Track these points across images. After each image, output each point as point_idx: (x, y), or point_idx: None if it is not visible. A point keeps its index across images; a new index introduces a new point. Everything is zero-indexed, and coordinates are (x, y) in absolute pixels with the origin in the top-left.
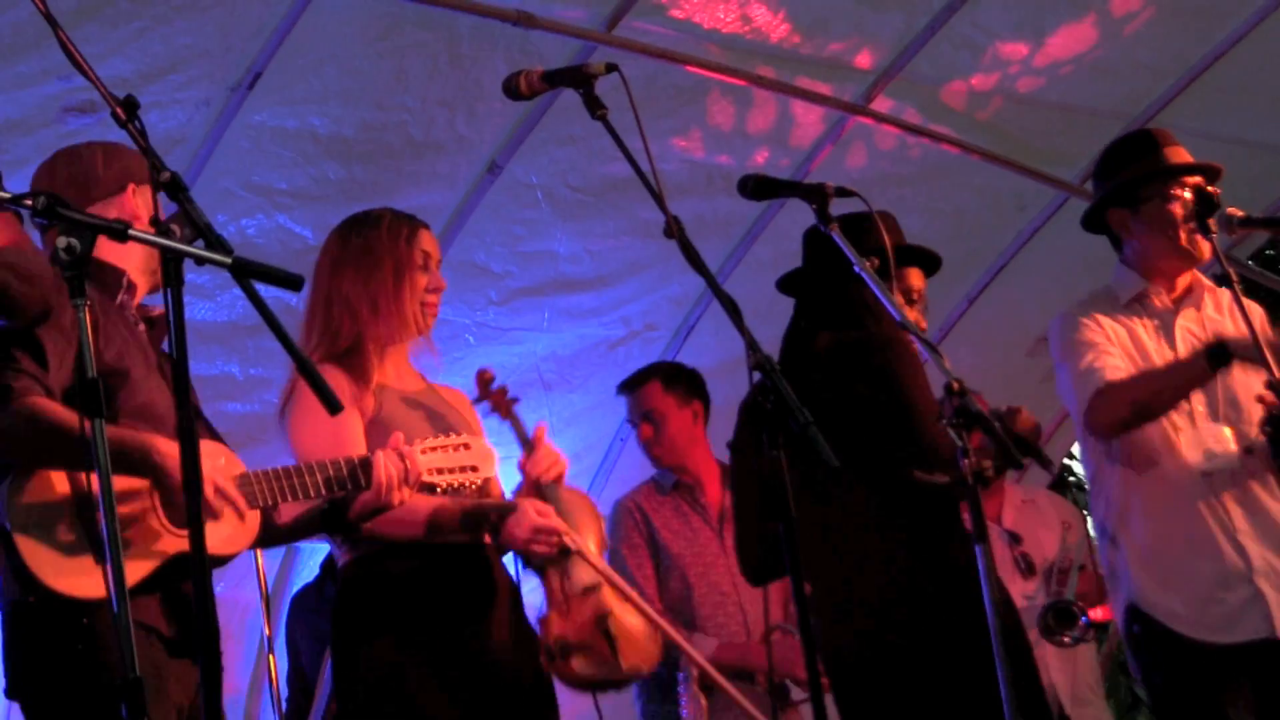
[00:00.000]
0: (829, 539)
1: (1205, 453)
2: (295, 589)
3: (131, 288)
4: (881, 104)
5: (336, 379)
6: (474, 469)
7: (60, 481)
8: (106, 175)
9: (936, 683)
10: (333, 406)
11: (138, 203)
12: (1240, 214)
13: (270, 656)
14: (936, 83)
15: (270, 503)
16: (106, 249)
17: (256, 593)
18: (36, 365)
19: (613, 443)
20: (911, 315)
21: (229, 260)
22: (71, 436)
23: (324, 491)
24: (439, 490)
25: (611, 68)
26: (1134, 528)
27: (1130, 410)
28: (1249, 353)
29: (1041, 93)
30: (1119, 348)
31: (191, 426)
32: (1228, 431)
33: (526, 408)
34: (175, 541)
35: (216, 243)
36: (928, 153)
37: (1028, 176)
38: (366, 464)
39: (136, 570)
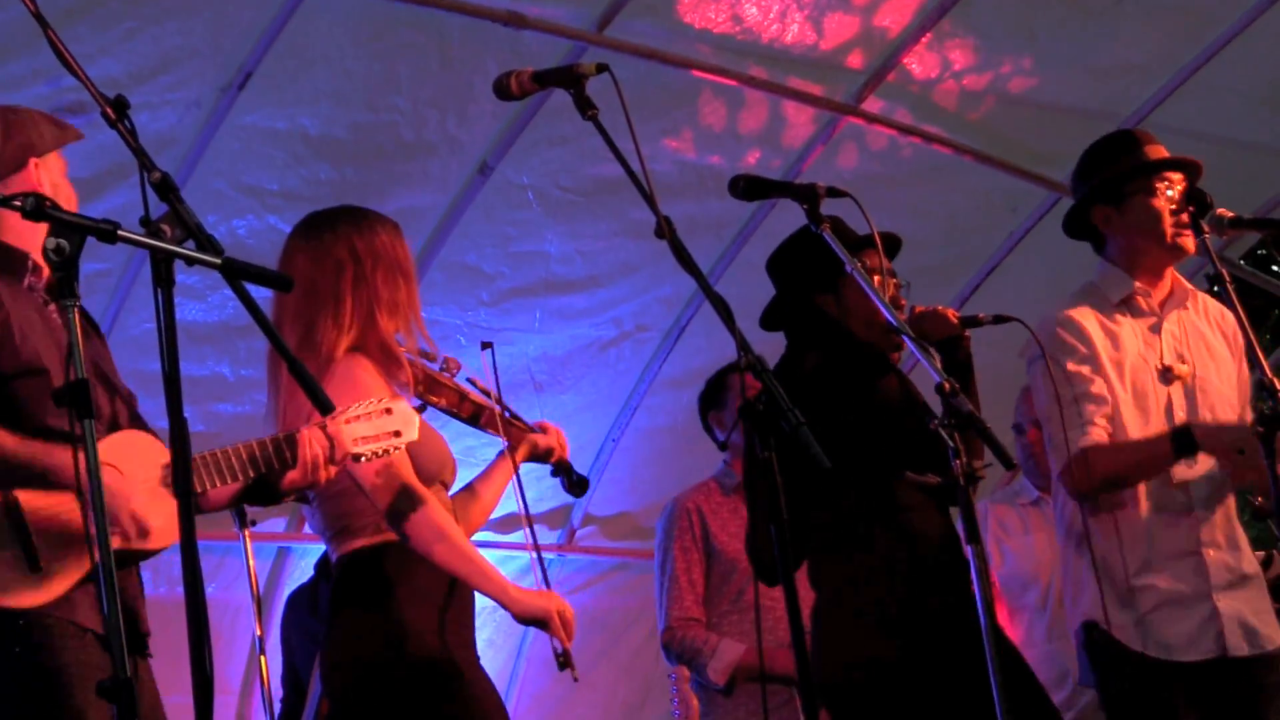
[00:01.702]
0: (830, 544)
1: (1185, 461)
2: (288, 589)
3: (37, 269)
4: (873, 104)
5: (371, 374)
6: (397, 434)
7: None
8: (5, 151)
9: (935, 692)
10: (324, 406)
11: (40, 177)
12: (1231, 215)
13: (262, 657)
14: (928, 83)
15: (199, 490)
16: (10, 231)
17: (248, 594)
18: None
19: (604, 444)
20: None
21: (219, 261)
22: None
23: (250, 473)
24: (364, 459)
25: (602, 68)
26: (1098, 539)
27: (1100, 483)
28: (1215, 443)
29: (1033, 93)
30: (1099, 360)
31: (183, 432)
32: None
33: (518, 409)
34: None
35: (207, 243)
36: (919, 153)
37: (1019, 177)
38: (291, 440)
39: (74, 573)
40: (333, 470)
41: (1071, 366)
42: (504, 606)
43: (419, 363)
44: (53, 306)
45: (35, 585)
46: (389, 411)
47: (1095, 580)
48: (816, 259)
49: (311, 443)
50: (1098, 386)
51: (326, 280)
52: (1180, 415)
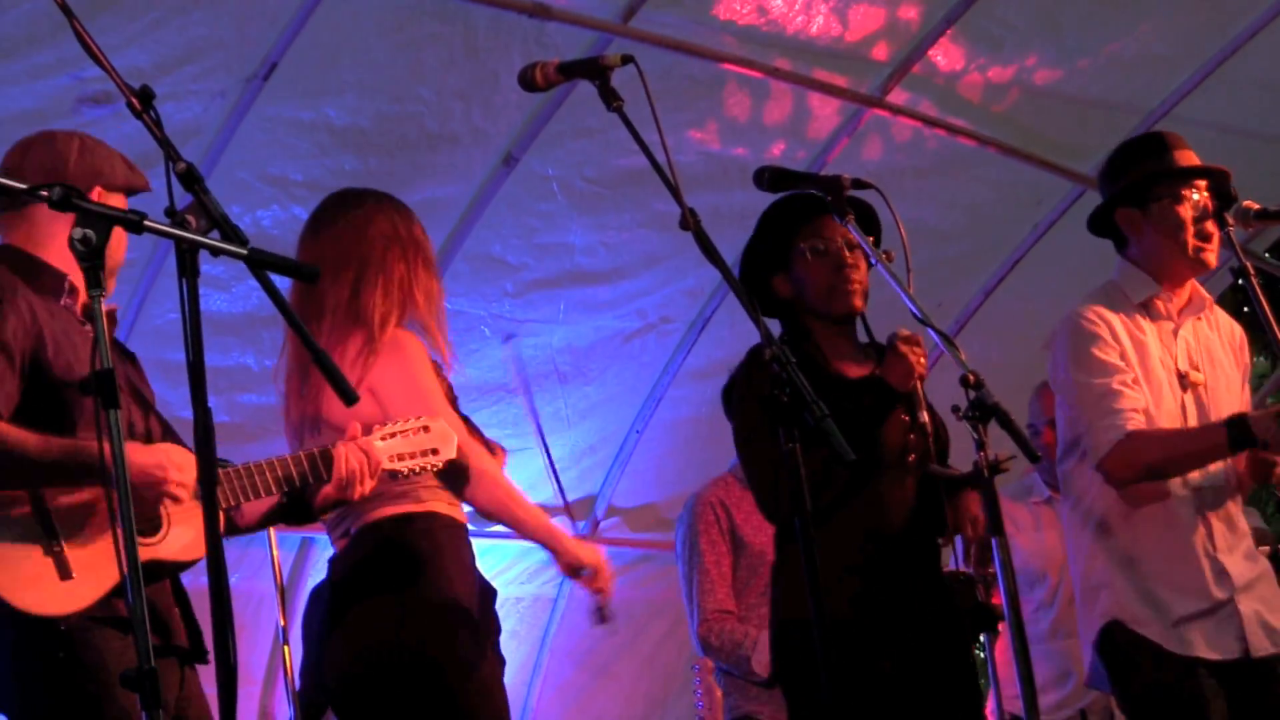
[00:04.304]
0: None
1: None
2: (311, 580)
3: (74, 291)
4: (898, 96)
5: (420, 352)
6: (434, 451)
7: (18, 498)
8: (75, 169)
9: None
10: (348, 398)
11: None
12: (1256, 207)
13: (285, 649)
14: (953, 75)
15: (231, 503)
16: (53, 252)
17: (272, 585)
18: None
19: (628, 435)
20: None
21: (245, 251)
22: (23, 458)
23: (284, 488)
24: (400, 476)
25: (627, 59)
26: (1117, 539)
27: (1145, 470)
28: (1271, 435)
29: (1058, 86)
30: (1126, 358)
31: (208, 425)
32: None
33: (542, 401)
34: (143, 550)
35: (232, 233)
36: (944, 145)
37: (1044, 169)
38: (326, 456)
39: (107, 578)
40: (369, 485)
41: (1099, 355)
42: (555, 551)
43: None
44: (89, 327)
45: (66, 591)
46: (426, 430)
47: (1120, 577)
48: (767, 237)
49: (348, 457)
50: (1131, 377)
51: (373, 251)
52: (1193, 422)
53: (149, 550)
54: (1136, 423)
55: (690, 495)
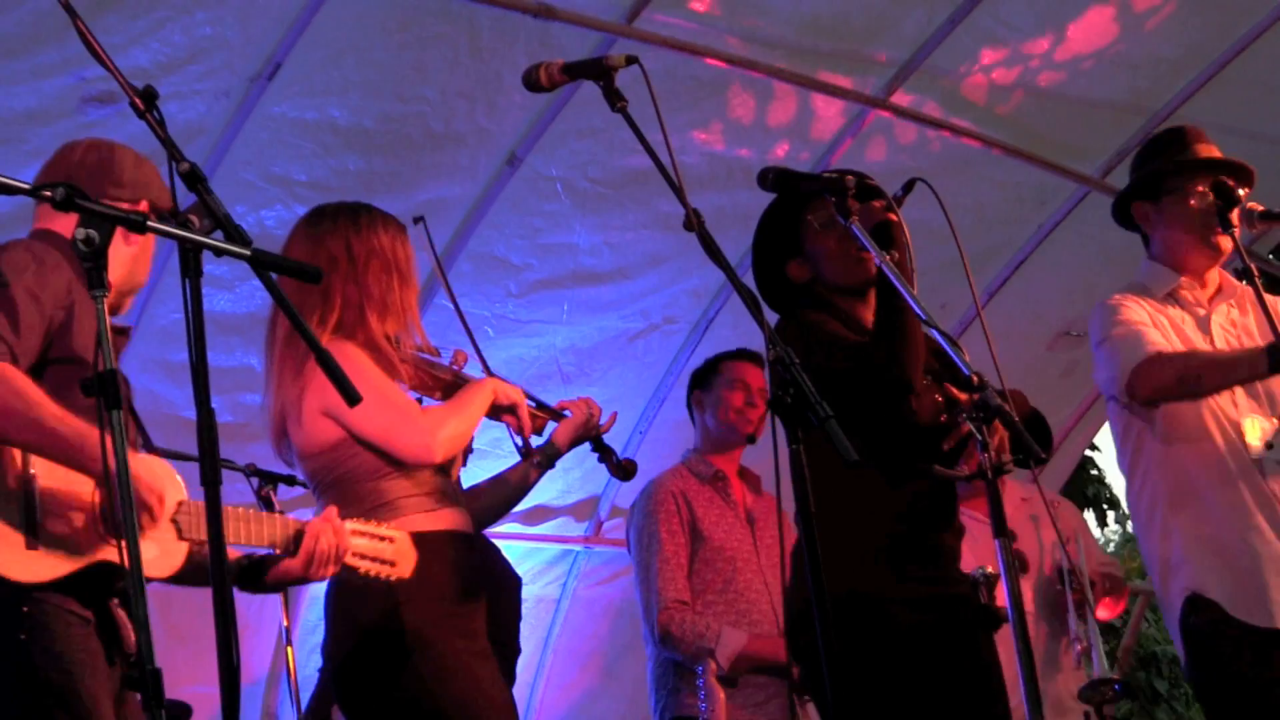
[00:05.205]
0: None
1: (1266, 441)
2: None
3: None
4: (902, 98)
5: (361, 357)
6: (392, 564)
7: (7, 466)
8: (130, 178)
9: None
10: (352, 398)
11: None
12: (1260, 209)
13: (289, 648)
14: (957, 77)
15: (196, 540)
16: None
17: None
18: (9, 328)
19: (631, 435)
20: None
21: (248, 252)
22: (28, 412)
23: (260, 543)
24: (357, 572)
25: (632, 60)
26: (1189, 512)
27: (1176, 381)
28: None
29: (1062, 87)
30: (1161, 330)
31: (210, 422)
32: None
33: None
34: (105, 549)
35: (236, 234)
36: (948, 146)
37: (1048, 170)
38: (301, 534)
39: (62, 564)
40: (330, 570)
41: (1124, 318)
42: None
43: (419, 358)
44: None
45: (25, 561)
46: (392, 540)
47: (1194, 550)
48: (775, 222)
49: (322, 537)
50: (1157, 333)
51: (331, 274)
52: (1244, 402)
53: (112, 552)
54: (1158, 346)
55: (647, 483)
